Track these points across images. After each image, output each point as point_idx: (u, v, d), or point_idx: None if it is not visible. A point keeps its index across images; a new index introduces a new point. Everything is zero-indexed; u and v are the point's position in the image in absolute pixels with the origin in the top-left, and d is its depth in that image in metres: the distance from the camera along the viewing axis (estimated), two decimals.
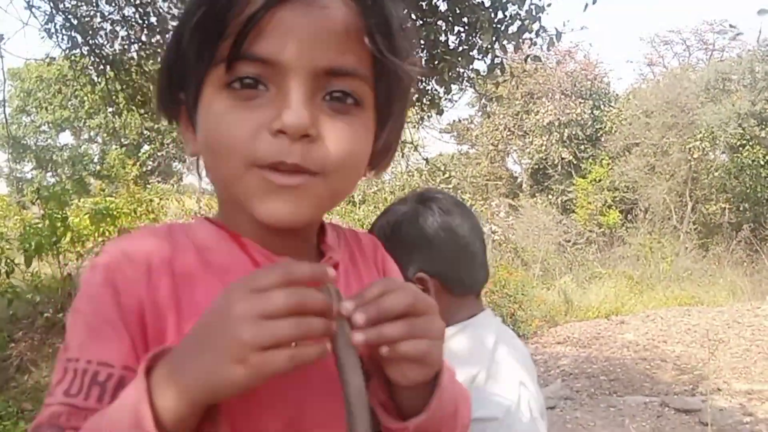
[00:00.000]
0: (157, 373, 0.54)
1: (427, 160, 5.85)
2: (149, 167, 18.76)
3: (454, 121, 19.25)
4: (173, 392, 0.52)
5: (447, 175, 11.91)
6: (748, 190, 14.36)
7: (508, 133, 18.21)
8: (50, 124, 20.31)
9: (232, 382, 0.51)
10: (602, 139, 17.49)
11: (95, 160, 20.80)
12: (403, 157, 6.79)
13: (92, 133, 21.31)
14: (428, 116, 4.85)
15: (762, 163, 14.32)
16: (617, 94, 19.43)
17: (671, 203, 14.95)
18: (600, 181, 16.51)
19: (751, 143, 14.38)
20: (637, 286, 11.00)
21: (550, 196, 17.69)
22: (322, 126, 0.63)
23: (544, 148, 17.63)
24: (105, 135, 20.35)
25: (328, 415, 0.64)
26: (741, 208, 14.71)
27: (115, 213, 6.32)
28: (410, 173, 10.61)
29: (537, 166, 18.61)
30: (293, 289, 0.52)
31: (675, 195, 15.10)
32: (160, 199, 8.49)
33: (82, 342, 0.60)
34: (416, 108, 4.58)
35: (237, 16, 0.60)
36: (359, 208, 11.00)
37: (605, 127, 17.32)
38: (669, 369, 5.90)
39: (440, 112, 4.45)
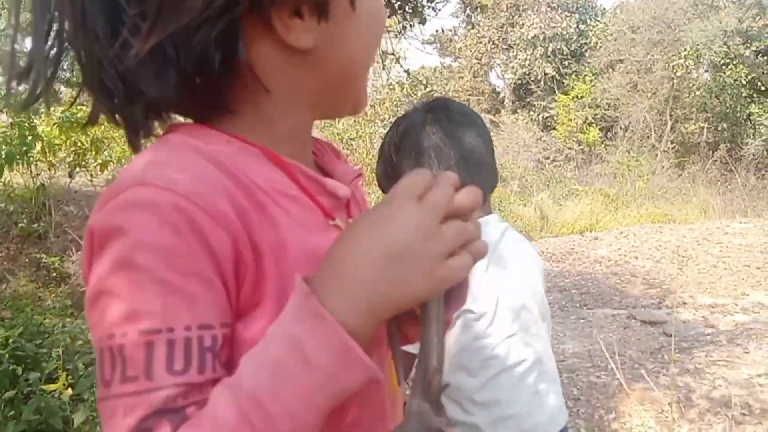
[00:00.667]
0: (327, 296, 0.46)
1: (408, 72, 5.71)
2: None
3: (437, 31, 18.76)
4: (359, 311, 0.46)
5: (429, 89, 11.70)
6: (727, 110, 14.39)
7: (492, 46, 17.82)
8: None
9: (417, 295, 0.48)
10: (586, 55, 17.22)
11: (65, 67, 20.09)
12: (384, 69, 6.61)
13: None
14: (410, 25, 4.68)
15: (744, 82, 14.29)
16: (604, 8, 19.01)
17: (651, 122, 14.96)
18: (582, 97, 16.40)
19: (734, 62, 14.28)
20: (613, 204, 11.17)
21: (531, 113, 17.59)
22: None
23: (527, 62, 17.35)
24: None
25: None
26: (719, 128, 14.80)
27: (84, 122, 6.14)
28: (391, 86, 10.38)
29: (520, 81, 18.37)
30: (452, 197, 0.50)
31: (655, 113, 15.10)
32: None
33: (166, 306, 0.45)
34: (398, 17, 4.41)
35: None
36: (338, 122, 10.84)
37: (590, 43, 17.02)
38: (638, 283, 6.09)
39: (423, 21, 4.30)
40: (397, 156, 1.29)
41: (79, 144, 6.07)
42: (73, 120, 6.00)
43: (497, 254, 1.24)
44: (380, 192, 1.48)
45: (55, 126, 5.97)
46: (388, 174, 1.31)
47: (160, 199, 0.47)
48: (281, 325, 0.46)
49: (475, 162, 1.27)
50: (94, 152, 6.10)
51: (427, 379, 0.50)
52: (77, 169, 6.14)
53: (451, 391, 1.20)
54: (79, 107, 6.83)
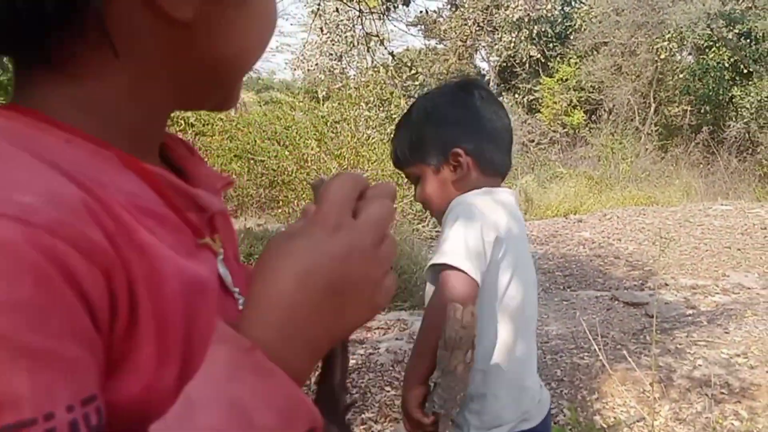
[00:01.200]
0: (267, 345, 0.39)
1: (392, 54, 5.67)
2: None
3: (421, 12, 18.63)
4: (302, 355, 0.41)
5: (414, 71, 11.63)
6: (710, 93, 14.47)
7: (477, 29, 17.75)
8: None
9: (357, 326, 0.45)
10: (571, 38, 17.20)
11: None
12: (368, 51, 6.56)
13: None
14: (394, 7, 4.64)
15: (726, 65, 14.35)
16: None
17: (635, 104, 15.02)
18: (567, 80, 16.41)
19: (717, 45, 14.33)
20: (597, 186, 11.24)
21: (516, 95, 17.58)
22: None
23: (512, 45, 17.30)
24: None
25: None
26: (702, 111, 14.88)
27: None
28: (375, 69, 10.31)
29: (505, 64, 18.32)
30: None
31: (639, 96, 15.15)
32: None
33: (38, 386, 0.33)
34: None
35: None
36: (323, 104, 10.77)
37: (575, 25, 16.98)
38: (621, 265, 6.15)
39: (406, 3, 4.27)
40: (427, 125, 1.29)
41: None
42: None
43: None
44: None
45: None
46: (413, 142, 1.31)
47: (10, 236, 0.33)
48: (210, 388, 0.37)
49: (501, 141, 1.31)
50: None
51: (333, 398, 0.47)
52: None
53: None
54: None
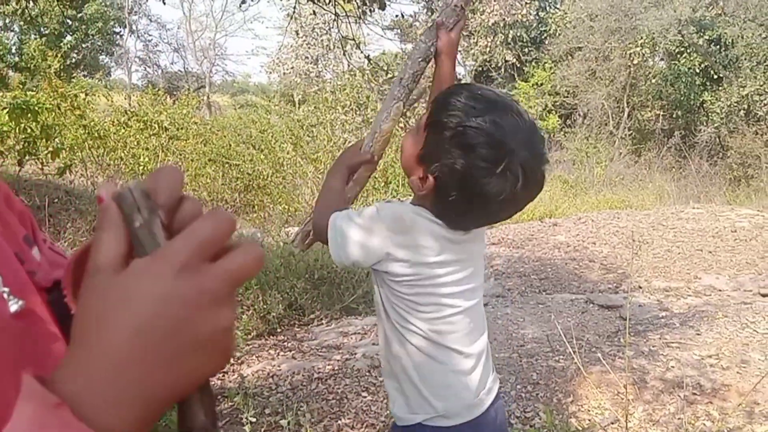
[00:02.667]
0: (84, 403, 0.36)
1: (369, 58, 5.65)
2: (73, 60, 17.56)
3: (396, 16, 18.66)
4: (130, 416, 0.37)
5: (390, 75, 11.63)
6: (682, 98, 14.73)
7: None
8: None
9: (203, 375, 0.40)
10: (546, 42, 17.39)
11: (12, 50, 19.35)
12: (344, 55, 6.55)
13: (7, 21, 19.67)
14: (370, 11, 4.63)
15: (697, 71, 14.63)
16: None
17: (609, 109, 15.22)
18: (542, 85, 16.57)
19: (688, 51, 14.60)
20: (572, 190, 11.36)
21: None
22: None
23: (488, 49, 17.42)
24: (22, 23, 18.86)
25: None
26: (674, 116, 15.14)
27: (36, 108, 5.94)
28: (352, 72, 10.30)
29: (481, 68, 18.45)
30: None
31: (613, 101, 15.36)
32: (86, 94, 8.02)
33: None
34: (357, 1, 4.36)
35: None
36: (299, 107, 10.73)
37: (550, 30, 17.18)
38: (596, 268, 6.20)
39: (382, 6, 4.26)
40: (432, 126, 1.21)
41: (30, 131, 5.86)
42: (24, 106, 5.79)
43: None
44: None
45: (5, 111, 5.75)
46: (435, 127, 1.20)
47: None
48: None
49: (482, 210, 1.22)
50: (44, 140, 5.90)
51: None
52: (27, 158, 5.93)
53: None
54: (28, 93, 6.59)
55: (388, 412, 2.95)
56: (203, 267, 0.37)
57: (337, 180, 1.43)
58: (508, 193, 1.12)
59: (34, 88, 7.16)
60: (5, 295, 0.45)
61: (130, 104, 11.21)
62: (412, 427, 1.33)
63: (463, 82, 1.36)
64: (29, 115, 5.78)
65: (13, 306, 0.45)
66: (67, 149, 6.02)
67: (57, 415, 0.34)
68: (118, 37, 23.72)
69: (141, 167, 7.44)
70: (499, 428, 1.38)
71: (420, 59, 1.47)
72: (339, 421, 2.96)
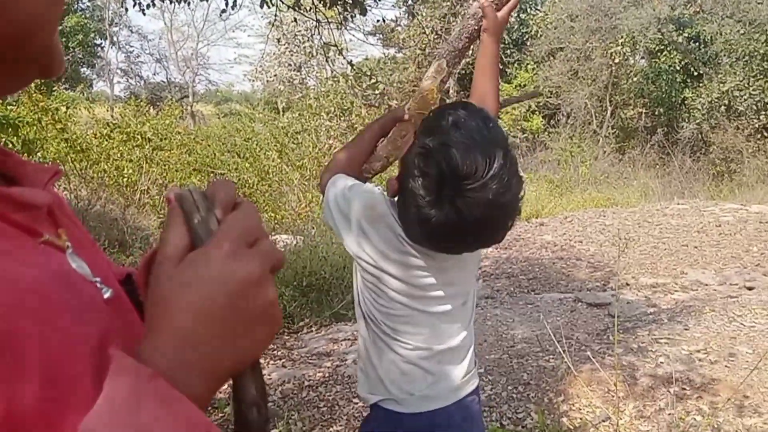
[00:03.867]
0: (172, 371, 0.41)
1: (351, 64, 5.65)
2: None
3: (378, 21, 18.71)
4: (206, 380, 0.43)
5: (373, 81, 11.66)
6: (663, 95, 14.86)
7: (435, 37, 17.90)
8: None
9: (261, 346, 0.46)
10: (528, 44, 17.48)
11: None
12: (327, 61, 6.55)
13: None
14: (351, 16, 4.63)
15: (678, 68, 14.77)
16: None
17: (592, 108, 15.33)
18: (525, 86, 16.65)
19: (668, 48, 14.75)
20: (557, 190, 11.41)
21: None
22: None
23: (471, 53, 17.48)
24: None
25: None
26: (656, 113, 15.28)
27: (17, 122, 5.88)
28: (335, 79, 10.31)
29: (464, 71, 18.51)
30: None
31: (596, 100, 15.47)
32: (68, 107, 7.95)
33: None
34: (338, 8, 4.35)
35: None
36: (283, 115, 10.71)
37: (531, 31, 17.28)
38: (583, 267, 6.23)
39: (363, 12, 4.26)
40: (422, 129, 1.24)
41: (11, 145, 5.80)
42: (3, 121, 5.73)
43: None
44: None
45: None
46: (426, 125, 1.24)
47: None
48: (113, 418, 0.37)
49: (427, 231, 1.21)
50: (26, 154, 5.85)
51: (243, 416, 0.46)
52: None
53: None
54: (8, 107, 6.53)
55: None
56: (246, 251, 0.44)
57: (365, 137, 1.39)
58: (437, 225, 1.10)
59: (14, 103, 7.08)
60: (98, 284, 0.50)
61: (112, 116, 11.13)
62: (370, 408, 1.36)
63: (464, 102, 1.34)
64: (9, 129, 5.72)
65: (106, 293, 0.49)
66: (50, 163, 5.97)
67: (153, 384, 0.39)
68: (99, 49, 23.58)
69: (125, 179, 7.39)
70: (462, 428, 1.35)
71: (469, 17, 1.45)
72: (331, 429, 2.95)
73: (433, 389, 1.30)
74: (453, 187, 1.08)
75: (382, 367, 1.31)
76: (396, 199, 1.23)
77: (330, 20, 5.02)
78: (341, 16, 4.83)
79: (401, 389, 1.30)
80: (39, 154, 6.02)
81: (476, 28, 1.45)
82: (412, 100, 1.37)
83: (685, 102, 14.64)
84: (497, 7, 1.44)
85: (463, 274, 1.34)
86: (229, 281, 0.43)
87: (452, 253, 1.23)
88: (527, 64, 17.11)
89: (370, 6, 4.44)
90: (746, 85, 13.22)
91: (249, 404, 0.46)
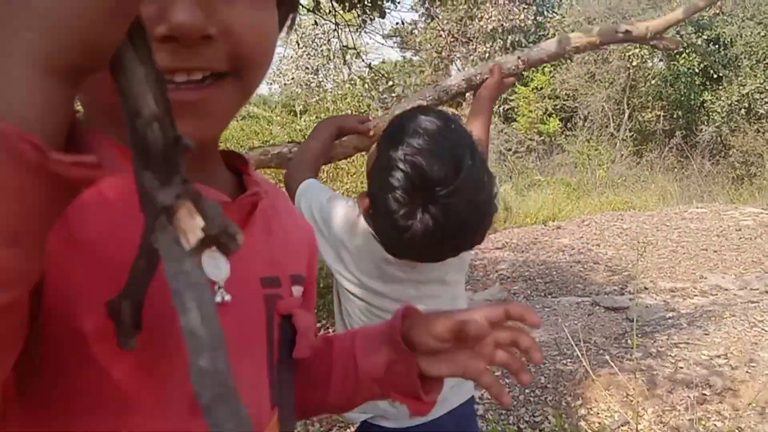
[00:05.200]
0: None
1: (370, 66, 5.68)
2: None
3: (397, 24, 18.75)
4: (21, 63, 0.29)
5: (390, 84, 11.70)
6: (682, 98, 14.72)
7: (452, 40, 17.90)
8: None
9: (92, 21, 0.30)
10: None
11: None
12: (345, 64, 6.58)
13: None
14: (370, 19, 4.66)
15: (696, 71, 14.63)
16: (560, 0, 19.23)
17: (609, 111, 15.22)
18: (542, 89, 16.59)
19: (687, 51, 14.61)
20: (574, 193, 11.35)
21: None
22: (223, 15, 0.47)
23: (487, 55, 17.46)
24: None
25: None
26: (675, 116, 15.13)
27: None
28: (352, 82, 10.35)
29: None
30: None
31: (613, 103, 15.36)
32: None
33: None
34: (357, 10, 4.38)
35: None
36: (300, 118, 10.77)
37: (548, 34, 17.21)
38: (601, 270, 6.20)
39: (382, 15, 4.28)
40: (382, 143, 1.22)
41: None
42: None
43: None
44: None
45: None
46: (386, 136, 1.21)
47: None
48: None
49: (406, 243, 1.15)
50: None
51: (139, 133, 0.32)
52: None
53: None
54: None
55: None
56: None
57: (319, 138, 1.42)
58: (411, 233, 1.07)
59: None
60: (217, 287, 0.53)
61: None
62: (360, 426, 1.34)
63: (421, 107, 1.31)
64: None
65: (219, 298, 0.53)
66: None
67: None
68: None
69: None
70: None
71: (462, 78, 1.49)
72: (348, 430, 2.96)
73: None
74: (425, 195, 1.05)
75: None
76: (370, 213, 1.18)
77: (348, 23, 5.05)
78: (360, 19, 4.86)
79: (389, 403, 1.27)
80: None
81: (476, 78, 1.51)
82: (380, 122, 1.40)
83: (704, 105, 14.49)
84: (505, 75, 1.50)
85: (446, 287, 1.33)
86: None
87: (434, 261, 1.19)
88: (544, 66, 17.04)
89: (388, 9, 4.46)
90: (767, 88, 13.06)
91: (147, 119, 0.32)
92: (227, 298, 0.53)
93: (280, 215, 0.67)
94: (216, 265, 0.52)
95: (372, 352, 0.72)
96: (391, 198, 1.07)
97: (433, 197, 1.04)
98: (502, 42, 17.24)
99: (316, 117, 9.21)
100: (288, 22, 0.59)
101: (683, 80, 14.57)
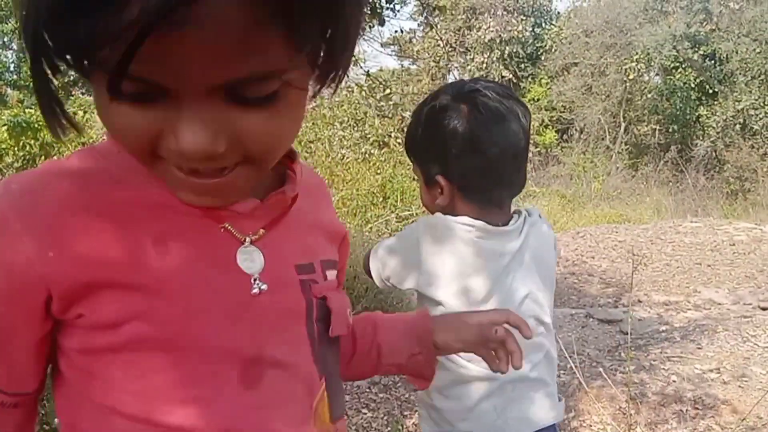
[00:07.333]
0: None
1: (368, 73, 5.69)
2: (71, 77, 17.61)
3: (395, 32, 18.81)
4: None
5: (388, 91, 11.72)
6: (677, 113, 14.81)
7: (450, 49, 17.97)
8: None
9: None
10: (542, 58, 17.51)
11: (11, 68, 19.39)
12: None
13: (6, 39, 19.76)
14: (369, 27, 4.67)
15: (692, 86, 14.73)
16: (558, 12, 19.35)
17: (605, 124, 15.30)
18: (538, 100, 16.67)
19: (683, 66, 14.72)
20: (570, 205, 11.37)
21: None
22: (235, 126, 0.49)
23: (485, 65, 17.53)
24: (20, 41, 18.88)
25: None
26: (670, 130, 15.22)
27: (36, 126, 5.95)
28: (350, 89, 10.35)
29: None
30: None
31: (609, 116, 15.44)
32: (85, 112, 8.02)
33: None
34: None
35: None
36: None
37: (545, 46, 17.31)
38: (595, 283, 6.20)
39: (382, 22, 4.30)
40: (415, 146, 1.24)
41: (29, 148, 5.87)
42: (24, 124, 5.80)
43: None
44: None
45: (4, 128, 5.77)
46: (416, 142, 1.25)
47: None
48: None
49: (493, 172, 1.19)
50: (43, 157, 5.92)
51: None
52: None
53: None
54: (27, 111, 6.60)
55: (389, 429, 2.93)
56: None
57: None
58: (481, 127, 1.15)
59: (33, 106, 7.17)
60: (253, 278, 0.60)
61: None
62: None
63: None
64: (29, 132, 5.79)
65: (256, 288, 0.60)
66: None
67: None
68: None
69: None
70: None
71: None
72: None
73: (501, 420, 1.24)
74: (492, 119, 1.15)
75: (446, 404, 1.25)
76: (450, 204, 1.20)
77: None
78: None
79: (469, 423, 1.24)
80: (56, 157, 6.09)
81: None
82: None
83: (700, 120, 14.58)
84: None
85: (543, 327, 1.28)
86: None
87: (503, 199, 1.23)
88: (541, 78, 17.13)
89: (388, 17, 4.48)
90: (762, 104, 13.15)
91: None
92: (264, 287, 0.61)
93: (318, 206, 0.73)
94: (251, 259, 0.60)
95: (396, 343, 0.84)
96: (463, 127, 1.15)
97: (499, 119, 1.18)
98: (499, 52, 17.33)
99: (313, 123, 9.22)
100: (328, 81, 0.55)
101: (679, 95, 14.65)
